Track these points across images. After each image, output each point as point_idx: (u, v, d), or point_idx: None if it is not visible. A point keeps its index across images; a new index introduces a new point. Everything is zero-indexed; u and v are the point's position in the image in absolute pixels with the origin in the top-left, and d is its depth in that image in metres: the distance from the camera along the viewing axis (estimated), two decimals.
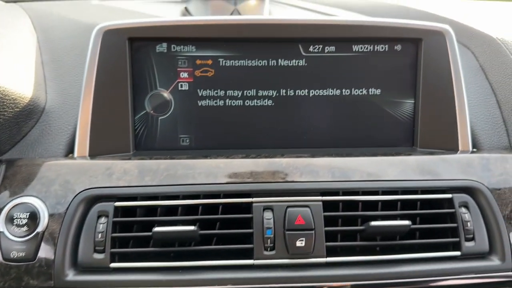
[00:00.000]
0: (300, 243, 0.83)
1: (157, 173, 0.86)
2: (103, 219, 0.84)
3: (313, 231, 0.84)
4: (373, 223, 0.83)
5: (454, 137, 0.98)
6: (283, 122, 0.99)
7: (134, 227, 0.86)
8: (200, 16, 1.32)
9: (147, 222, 0.85)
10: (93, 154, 0.93)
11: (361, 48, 0.98)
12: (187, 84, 0.96)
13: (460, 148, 0.97)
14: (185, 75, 0.96)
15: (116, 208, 0.85)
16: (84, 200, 0.84)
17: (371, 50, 0.98)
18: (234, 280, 0.82)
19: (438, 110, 0.98)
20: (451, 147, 0.98)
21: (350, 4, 1.51)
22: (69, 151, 0.97)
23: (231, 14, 1.30)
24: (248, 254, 0.84)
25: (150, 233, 0.82)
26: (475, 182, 0.89)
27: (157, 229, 0.81)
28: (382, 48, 0.98)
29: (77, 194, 0.85)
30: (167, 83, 0.96)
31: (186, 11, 1.41)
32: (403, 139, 1.01)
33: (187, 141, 0.98)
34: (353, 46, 0.97)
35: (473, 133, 1.02)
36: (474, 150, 1.00)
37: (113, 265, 0.82)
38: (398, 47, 0.98)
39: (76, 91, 1.01)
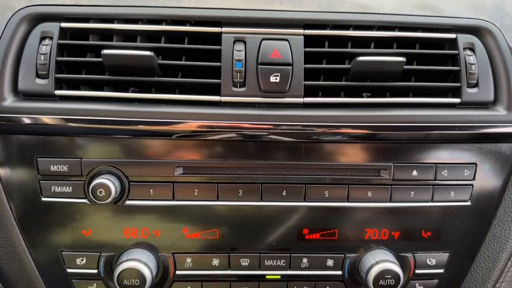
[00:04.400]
0: (274, 79, 0.71)
1: None
2: (47, 41, 0.72)
3: (290, 67, 0.71)
4: (362, 58, 0.71)
5: None
6: None
7: (88, 55, 0.75)
8: None
9: (101, 48, 0.72)
10: None
11: None
12: None
13: None
14: None
15: (62, 29, 0.72)
16: (26, 19, 0.72)
17: None
18: (196, 115, 0.71)
19: None
20: None
21: None
22: None
23: None
24: (215, 91, 0.73)
25: (99, 59, 0.70)
26: (485, 22, 0.76)
27: (107, 51, 0.69)
28: None
29: (17, 11, 0.72)
30: None
31: None
32: None
33: None
34: None
35: None
36: None
37: (58, 92, 0.71)
38: None
39: None
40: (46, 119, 0.70)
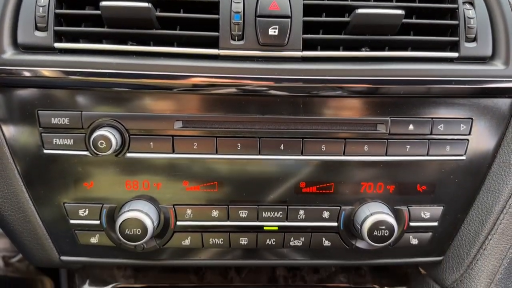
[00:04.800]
0: (273, 32, 0.71)
1: None
2: None
3: (289, 20, 0.71)
4: (361, 10, 0.70)
5: None
6: None
7: (86, 9, 0.74)
8: None
9: (99, 1, 0.71)
10: None
11: None
12: None
13: None
14: None
15: None
16: None
17: None
18: (195, 69, 0.72)
19: None
20: None
21: None
22: None
23: None
24: (214, 45, 0.73)
25: (98, 12, 0.70)
26: None
27: (105, 3, 0.69)
28: None
29: None
30: None
31: None
32: None
33: None
34: None
35: None
36: None
37: (58, 45, 0.72)
38: None
39: None
40: (46, 72, 0.71)
